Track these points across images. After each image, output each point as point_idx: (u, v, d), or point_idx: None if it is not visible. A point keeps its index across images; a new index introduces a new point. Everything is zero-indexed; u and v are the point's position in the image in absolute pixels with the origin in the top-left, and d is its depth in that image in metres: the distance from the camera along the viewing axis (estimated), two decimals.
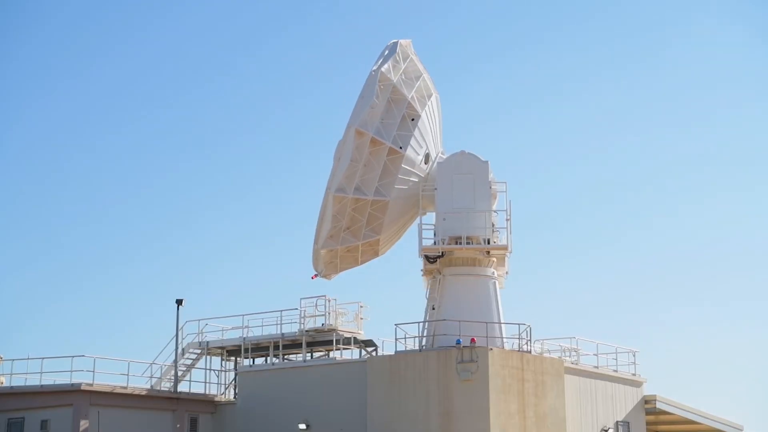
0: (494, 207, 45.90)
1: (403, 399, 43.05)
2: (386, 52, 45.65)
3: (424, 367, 42.90)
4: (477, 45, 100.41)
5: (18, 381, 46.14)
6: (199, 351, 50.85)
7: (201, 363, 51.05)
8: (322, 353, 49.93)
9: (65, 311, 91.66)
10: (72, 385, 44.44)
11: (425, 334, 44.84)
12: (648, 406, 51.69)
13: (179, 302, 48.57)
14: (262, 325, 49.50)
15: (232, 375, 50.96)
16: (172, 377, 48.81)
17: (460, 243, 45.07)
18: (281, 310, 49.10)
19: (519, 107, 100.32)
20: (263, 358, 49.81)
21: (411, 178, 45.92)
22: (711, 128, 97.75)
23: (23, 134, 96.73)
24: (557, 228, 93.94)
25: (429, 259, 45.45)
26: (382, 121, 44.75)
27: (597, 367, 49.07)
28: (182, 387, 49.47)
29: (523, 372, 43.47)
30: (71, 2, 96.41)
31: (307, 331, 48.10)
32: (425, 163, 46.39)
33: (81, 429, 43.65)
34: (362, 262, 47.78)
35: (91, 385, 44.48)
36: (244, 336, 49.79)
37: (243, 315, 50.05)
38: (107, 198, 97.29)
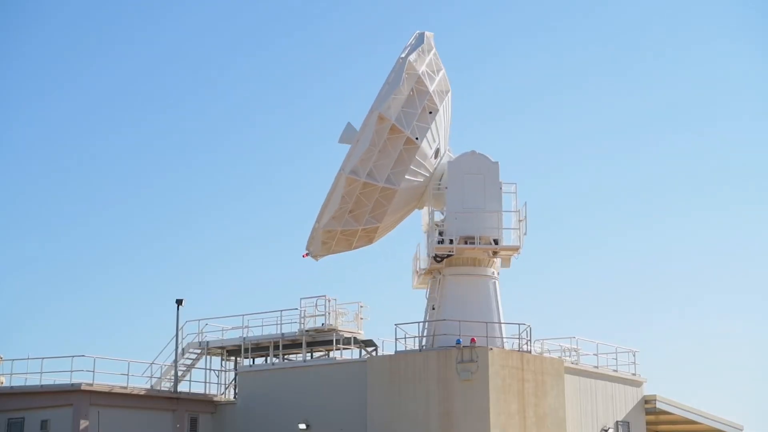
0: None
1: (403, 399, 43.05)
2: (413, 41, 45.41)
3: (424, 367, 42.90)
4: (477, 44, 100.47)
5: (18, 381, 46.19)
6: (199, 351, 50.85)
7: (201, 363, 51.08)
8: (322, 353, 49.93)
9: (65, 311, 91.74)
10: (72, 385, 44.43)
11: (425, 334, 44.85)
12: (648, 406, 51.69)
13: (179, 302, 48.56)
14: (262, 325, 49.55)
15: (232, 375, 50.97)
16: (172, 377, 48.81)
17: (473, 243, 44.99)
18: (281, 310, 49.18)
19: (517, 107, 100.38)
20: (263, 358, 49.82)
21: (421, 171, 45.77)
22: (713, 132, 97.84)
23: (23, 134, 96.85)
24: (557, 228, 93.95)
25: (437, 259, 45.36)
26: (403, 110, 44.60)
27: (597, 367, 49.07)
28: (182, 387, 49.49)
29: (523, 372, 43.48)
30: (70, 3, 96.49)
31: (307, 331, 48.10)
32: (434, 158, 46.32)
33: (81, 429, 43.65)
34: (355, 247, 47.53)
35: (91, 385, 44.46)
36: (244, 336, 49.79)
37: (243, 315, 50.13)
38: (107, 198, 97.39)
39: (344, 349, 48.01)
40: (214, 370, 51.20)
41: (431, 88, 45.35)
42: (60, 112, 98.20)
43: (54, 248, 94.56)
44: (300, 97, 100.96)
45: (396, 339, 44.26)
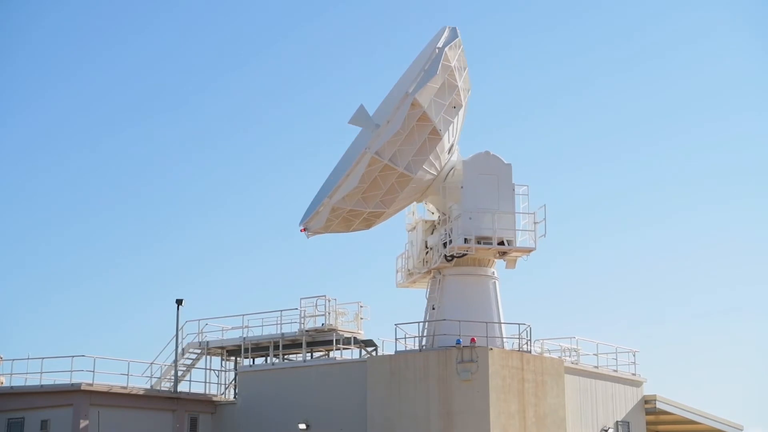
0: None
1: (403, 399, 43.05)
2: (446, 34, 45.10)
3: (424, 367, 42.90)
4: (481, 44, 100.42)
5: (18, 381, 46.20)
6: (199, 351, 50.84)
7: (201, 363, 51.07)
8: (322, 353, 49.92)
9: (65, 311, 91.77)
10: (72, 385, 44.44)
11: (425, 334, 44.85)
12: (648, 406, 51.67)
13: (179, 302, 48.55)
14: (262, 325, 49.53)
15: (232, 375, 50.96)
16: (172, 377, 48.80)
17: (489, 243, 44.90)
18: (281, 310, 49.18)
19: (515, 108, 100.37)
20: (263, 358, 49.81)
21: (435, 164, 45.50)
22: (714, 132, 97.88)
23: (23, 133, 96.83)
24: (557, 228, 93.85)
25: (448, 258, 45.30)
26: (434, 99, 44.24)
27: (597, 367, 49.06)
28: (182, 387, 49.47)
29: (523, 372, 43.48)
30: (68, 3, 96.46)
31: (307, 331, 48.09)
32: (447, 153, 46.22)
33: (81, 429, 43.65)
34: (353, 230, 47.13)
35: (91, 385, 44.47)
36: (244, 336, 49.78)
37: (243, 315, 50.11)
38: (107, 198, 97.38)
39: (344, 349, 48.00)
40: (214, 370, 51.25)
41: (459, 83, 45.25)
42: (60, 112, 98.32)
43: (54, 248, 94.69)
44: (301, 97, 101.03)
45: (396, 339, 44.30)
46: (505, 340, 44.86)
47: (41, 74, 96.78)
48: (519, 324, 44.62)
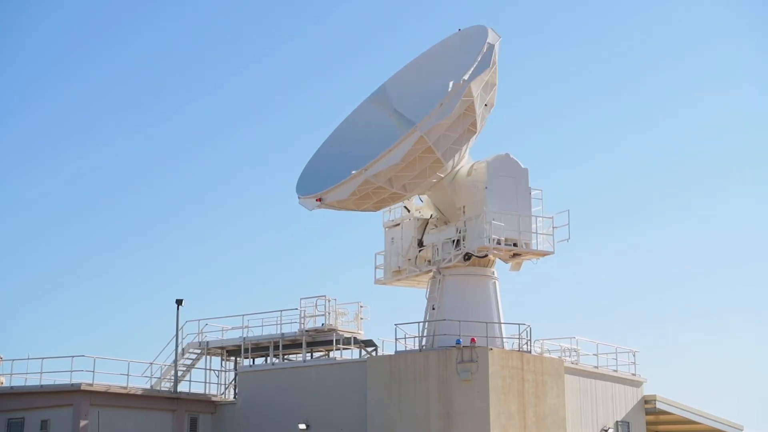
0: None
1: (403, 399, 43.05)
2: (490, 32, 44.81)
3: (424, 367, 42.89)
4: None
5: (18, 381, 46.22)
6: (199, 351, 50.85)
7: (201, 363, 51.08)
8: (322, 353, 49.92)
9: (65, 311, 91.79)
10: (72, 385, 44.44)
11: (425, 334, 44.83)
12: (648, 406, 51.67)
13: (179, 302, 48.56)
14: (262, 325, 49.55)
15: (232, 375, 50.96)
16: (172, 377, 48.80)
17: (510, 245, 44.88)
18: (281, 310, 49.19)
19: (514, 107, 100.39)
20: (263, 358, 49.81)
21: (459, 159, 45.42)
22: (716, 132, 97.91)
23: (23, 133, 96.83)
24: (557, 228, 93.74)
25: (466, 257, 45.23)
26: (481, 93, 44.19)
27: (597, 367, 49.05)
28: (182, 387, 49.49)
29: (523, 372, 43.48)
30: (68, 3, 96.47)
31: (307, 331, 48.09)
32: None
33: (81, 429, 43.65)
34: (361, 210, 46.49)
35: (91, 385, 44.48)
36: (244, 336, 49.78)
37: (243, 315, 50.14)
38: (107, 198, 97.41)
39: (344, 349, 47.99)
40: (214, 370, 51.27)
41: (497, 82, 45.22)
42: (60, 112, 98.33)
43: (54, 248, 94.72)
44: (301, 96, 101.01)
45: (396, 339, 44.31)
46: (505, 340, 44.85)
47: (41, 74, 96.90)
48: (519, 324, 44.67)
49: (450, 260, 45.24)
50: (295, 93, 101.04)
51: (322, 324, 47.92)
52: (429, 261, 46.82)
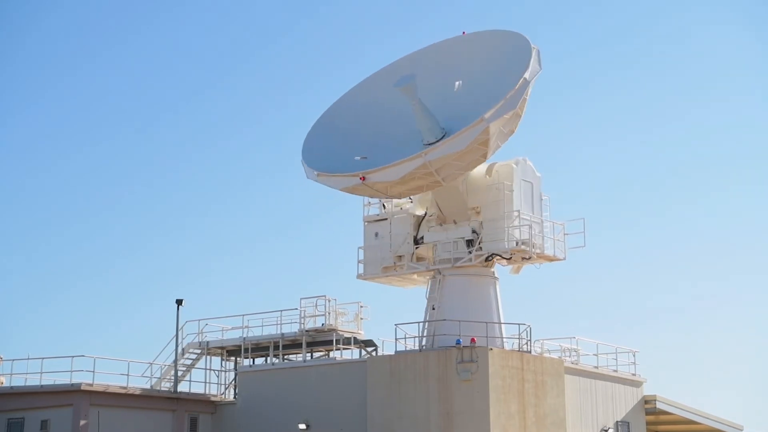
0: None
1: (403, 399, 43.05)
2: (533, 55, 44.40)
3: (424, 367, 42.89)
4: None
5: (18, 381, 46.22)
6: (199, 351, 50.85)
7: (201, 363, 51.08)
8: (322, 353, 49.92)
9: (65, 311, 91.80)
10: (72, 385, 44.44)
11: (425, 334, 44.83)
12: (648, 406, 51.68)
13: (179, 302, 48.56)
14: (262, 325, 49.55)
15: (232, 375, 50.96)
16: (172, 377, 48.80)
17: (529, 247, 45.16)
18: (281, 310, 49.20)
19: None
20: (263, 358, 49.81)
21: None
22: (715, 133, 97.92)
23: (22, 133, 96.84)
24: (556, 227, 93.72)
25: (488, 258, 45.07)
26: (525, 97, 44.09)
27: (597, 367, 49.06)
28: (182, 387, 49.49)
29: (523, 372, 43.48)
30: (63, 3, 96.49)
31: (307, 331, 48.09)
32: None
33: (81, 429, 43.64)
34: (386, 196, 45.40)
35: (91, 385, 44.47)
36: (244, 336, 49.78)
37: (243, 315, 50.14)
38: (107, 197, 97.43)
39: (344, 349, 47.99)
40: (214, 370, 51.27)
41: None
42: (59, 111, 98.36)
43: (54, 248, 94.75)
44: (301, 94, 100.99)
45: (396, 339, 44.31)
46: (505, 340, 44.85)
47: (41, 74, 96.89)
48: (519, 324, 44.67)
49: (469, 260, 45.05)
50: (296, 91, 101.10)
51: (322, 324, 47.92)
52: (421, 259, 46.53)
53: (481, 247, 45.12)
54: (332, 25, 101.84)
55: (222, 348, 51.00)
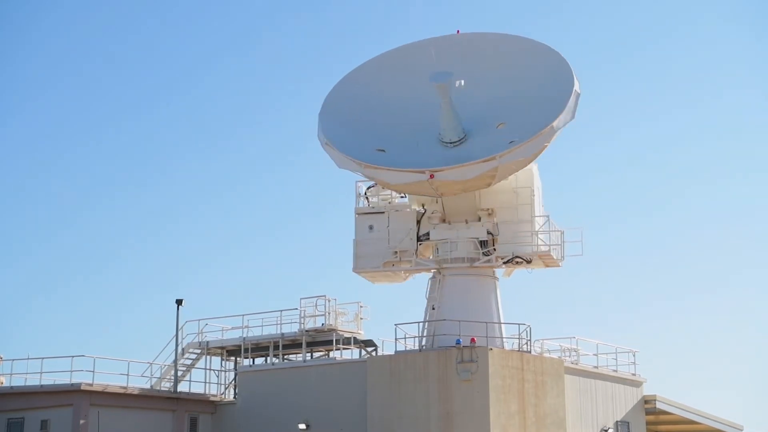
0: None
1: (403, 399, 43.05)
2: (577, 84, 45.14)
3: (424, 367, 42.89)
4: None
5: (18, 381, 46.19)
6: (199, 351, 50.84)
7: (201, 363, 51.07)
8: (322, 353, 49.92)
9: (65, 311, 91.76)
10: (72, 385, 44.44)
11: (425, 334, 44.83)
12: (648, 406, 51.68)
13: (179, 302, 48.58)
14: (262, 325, 49.54)
15: (232, 375, 50.96)
16: (172, 377, 48.81)
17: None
18: (281, 310, 49.19)
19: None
20: (263, 358, 49.81)
21: None
22: (714, 132, 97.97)
23: (21, 133, 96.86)
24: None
25: (507, 261, 45.35)
26: None
27: (597, 367, 49.06)
28: (182, 387, 49.49)
29: (523, 372, 43.47)
30: (63, 3, 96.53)
31: (307, 331, 48.09)
32: None
33: (81, 429, 43.65)
34: (449, 193, 44.76)
35: (91, 385, 44.47)
36: (244, 336, 49.78)
37: (243, 315, 50.14)
38: (107, 197, 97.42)
39: (344, 349, 48.00)
40: (214, 370, 51.27)
41: None
42: (60, 109, 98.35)
43: (54, 248, 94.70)
44: (302, 93, 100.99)
45: (396, 339, 44.32)
46: (505, 340, 44.87)
47: (41, 73, 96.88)
48: (519, 324, 44.72)
49: (488, 261, 45.23)
50: (296, 90, 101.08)
51: (322, 324, 47.92)
52: (421, 256, 46.39)
53: (495, 249, 45.16)
54: (333, 25, 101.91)
55: (222, 348, 51.00)
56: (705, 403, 71.04)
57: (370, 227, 46.89)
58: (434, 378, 42.60)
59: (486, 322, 43.99)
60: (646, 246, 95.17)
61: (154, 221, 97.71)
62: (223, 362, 51.81)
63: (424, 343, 44.41)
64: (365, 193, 47.59)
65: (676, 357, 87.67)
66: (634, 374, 51.23)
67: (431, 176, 42.51)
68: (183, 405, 47.64)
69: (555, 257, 45.85)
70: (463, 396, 42.04)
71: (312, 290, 78.63)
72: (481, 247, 45.43)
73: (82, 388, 44.09)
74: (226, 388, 50.84)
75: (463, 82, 44.06)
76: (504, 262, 45.38)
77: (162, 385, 49.14)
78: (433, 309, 45.37)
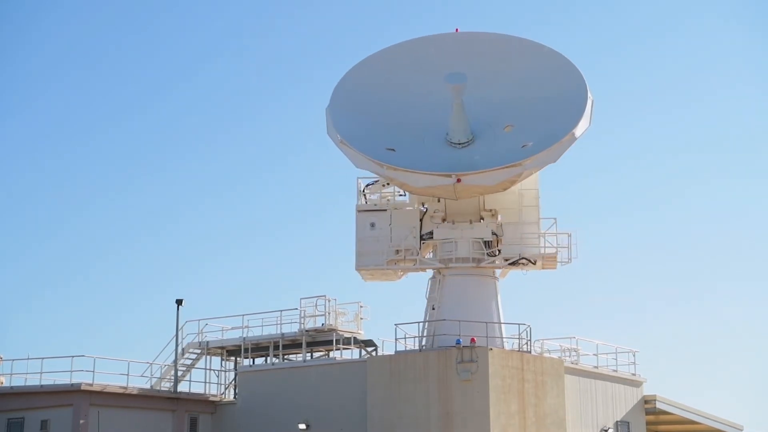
0: None
1: (403, 399, 43.04)
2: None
3: (424, 367, 42.89)
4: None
5: (18, 381, 46.21)
6: (199, 351, 50.84)
7: (201, 363, 51.07)
8: (322, 353, 49.92)
9: (65, 311, 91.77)
10: (72, 385, 44.45)
11: (425, 334, 44.83)
12: (648, 406, 51.69)
13: (179, 302, 48.59)
14: (262, 325, 49.55)
15: (232, 375, 50.97)
16: (172, 377, 48.81)
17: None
18: (281, 310, 49.20)
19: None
20: (263, 358, 49.81)
21: None
22: (713, 130, 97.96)
23: (21, 133, 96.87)
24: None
25: (513, 262, 45.40)
26: None
27: (597, 367, 49.07)
28: (182, 387, 49.49)
29: (523, 372, 43.47)
30: (63, 3, 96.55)
31: (307, 331, 48.09)
32: None
33: (81, 429, 43.65)
34: (470, 195, 45.02)
35: (91, 385, 44.48)
36: (244, 336, 49.78)
37: (243, 315, 50.14)
38: (107, 197, 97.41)
39: (344, 349, 48.00)
40: (214, 370, 51.27)
41: None
42: (59, 111, 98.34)
43: (54, 248, 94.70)
44: (302, 92, 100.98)
45: (396, 339, 44.32)
46: (505, 340, 44.87)
47: (41, 74, 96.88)
48: (519, 324, 44.73)
49: (492, 261, 45.32)
50: (295, 90, 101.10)
51: (322, 324, 47.91)
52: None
53: (499, 250, 45.24)
54: (331, 24, 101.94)
55: (222, 348, 51.00)
56: (705, 403, 71.09)
57: (372, 224, 46.57)
58: (434, 378, 42.59)
59: (486, 322, 43.99)
60: (646, 246, 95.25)
61: (154, 221, 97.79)
62: (223, 362, 51.82)
63: (424, 343, 44.41)
64: (363, 190, 47.45)
65: (676, 357, 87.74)
66: (634, 374, 51.24)
67: (458, 180, 42.41)
68: (183, 405, 47.64)
69: (559, 259, 45.91)
70: (463, 396, 42.04)
71: (312, 290, 78.55)
72: (487, 247, 45.44)
73: (82, 388, 44.10)
74: (226, 388, 50.85)
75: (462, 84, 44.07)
76: (509, 264, 45.38)
77: (162, 385, 49.14)
78: (433, 309, 45.37)
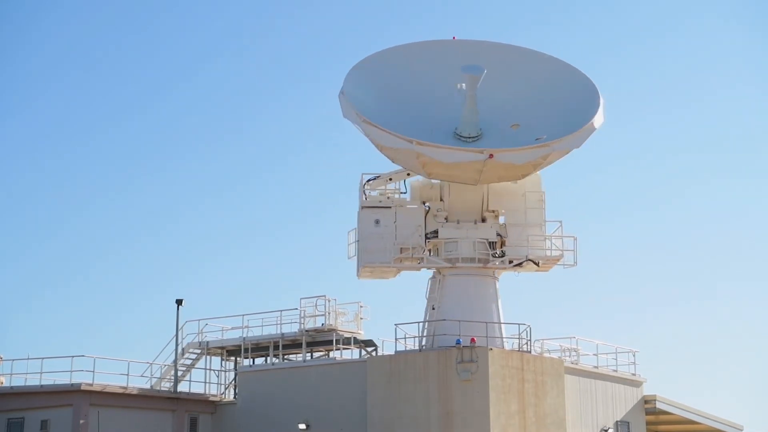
0: None
1: (403, 399, 43.05)
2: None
3: (424, 367, 42.89)
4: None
5: (18, 381, 46.21)
6: (199, 351, 50.84)
7: (201, 363, 51.06)
8: (322, 353, 49.92)
9: (65, 311, 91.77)
10: (72, 385, 44.45)
11: (425, 334, 44.83)
12: (648, 406, 51.69)
13: (179, 302, 48.59)
14: (262, 325, 49.53)
15: (232, 375, 50.97)
16: (172, 377, 48.81)
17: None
18: (281, 310, 49.18)
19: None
20: (263, 358, 49.81)
21: None
22: (712, 131, 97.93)
23: (20, 133, 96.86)
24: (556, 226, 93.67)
25: (520, 264, 45.56)
26: None
27: (597, 367, 49.07)
28: (182, 387, 49.48)
29: (523, 372, 43.48)
30: (63, 3, 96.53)
31: (307, 331, 48.09)
32: None
33: (81, 429, 43.65)
34: (492, 180, 45.23)
35: (91, 385, 44.48)
36: (244, 336, 49.78)
37: (243, 315, 50.13)
38: (107, 197, 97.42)
39: (344, 349, 48.00)
40: (214, 370, 51.26)
41: None
42: (59, 110, 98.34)
43: (54, 248, 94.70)
44: (302, 92, 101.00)
45: (396, 339, 44.32)
46: (505, 340, 44.86)
47: (41, 74, 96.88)
48: (519, 324, 44.73)
49: (495, 262, 45.38)
50: (296, 90, 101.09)
51: (322, 324, 47.91)
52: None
53: (503, 251, 45.21)
54: (331, 24, 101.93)
55: (222, 348, 51.00)
56: (705, 403, 71.17)
57: (377, 221, 46.26)
58: (434, 378, 42.60)
59: (486, 322, 43.99)
60: (646, 246, 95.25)
61: (154, 221, 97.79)
62: (223, 362, 51.82)
63: (424, 343, 44.41)
64: (364, 187, 47.28)
65: (676, 357, 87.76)
66: (634, 374, 51.24)
67: (491, 156, 42.14)
68: (183, 405, 47.65)
69: (563, 262, 46.16)
70: (463, 396, 42.04)
71: (312, 290, 78.54)
72: (491, 248, 45.49)
73: (82, 388, 44.10)
74: (226, 388, 50.85)
75: (464, 85, 44.07)
76: (514, 265, 45.38)
77: (162, 385, 49.15)
78: (433, 309, 45.37)
